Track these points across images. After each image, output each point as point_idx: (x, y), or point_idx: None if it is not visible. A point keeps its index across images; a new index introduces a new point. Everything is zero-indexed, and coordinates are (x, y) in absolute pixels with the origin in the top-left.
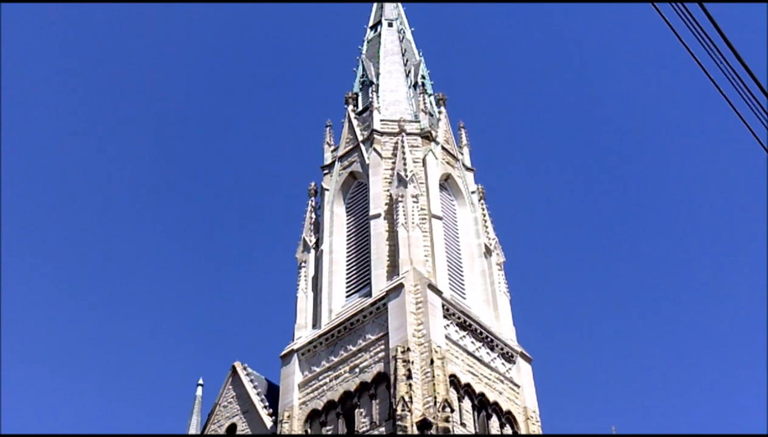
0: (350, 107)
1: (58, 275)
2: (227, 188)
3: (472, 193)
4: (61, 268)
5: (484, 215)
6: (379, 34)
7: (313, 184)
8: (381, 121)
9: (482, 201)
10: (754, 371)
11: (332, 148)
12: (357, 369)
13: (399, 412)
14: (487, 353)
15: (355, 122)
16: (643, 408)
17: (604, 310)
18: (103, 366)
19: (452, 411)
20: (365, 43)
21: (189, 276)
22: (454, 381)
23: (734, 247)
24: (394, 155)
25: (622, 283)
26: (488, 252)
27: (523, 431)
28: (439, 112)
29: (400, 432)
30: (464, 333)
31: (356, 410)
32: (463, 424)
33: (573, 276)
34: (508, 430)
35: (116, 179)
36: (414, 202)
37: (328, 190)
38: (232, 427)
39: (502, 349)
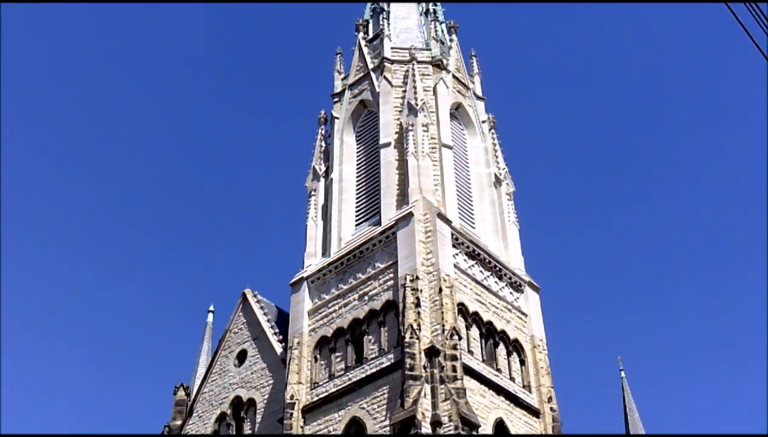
0: (360, 35)
1: (64, 204)
2: (237, 116)
3: (483, 122)
4: (69, 197)
5: (495, 145)
6: None
7: (323, 112)
8: (392, 48)
9: (493, 130)
10: (756, 312)
11: (342, 76)
12: (366, 297)
13: (407, 339)
14: (496, 282)
15: (365, 50)
16: (649, 338)
17: (612, 240)
18: (114, 292)
19: (460, 338)
20: None
21: (200, 204)
22: (462, 309)
23: (736, 176)
24: (405, 83)
25: (630, 213)
26: (498, 182)
27: (529, 358)
28: (451, 40)
29: (408, 359)
30: (473, 262)
31: (365, 337)
32: (470, 352)
33: (582, 207)
34: (515, 358)
35: (129, 106)
36: (424, 130)
37: (338, 118)
38: (243, 353)
39: (510, 278)
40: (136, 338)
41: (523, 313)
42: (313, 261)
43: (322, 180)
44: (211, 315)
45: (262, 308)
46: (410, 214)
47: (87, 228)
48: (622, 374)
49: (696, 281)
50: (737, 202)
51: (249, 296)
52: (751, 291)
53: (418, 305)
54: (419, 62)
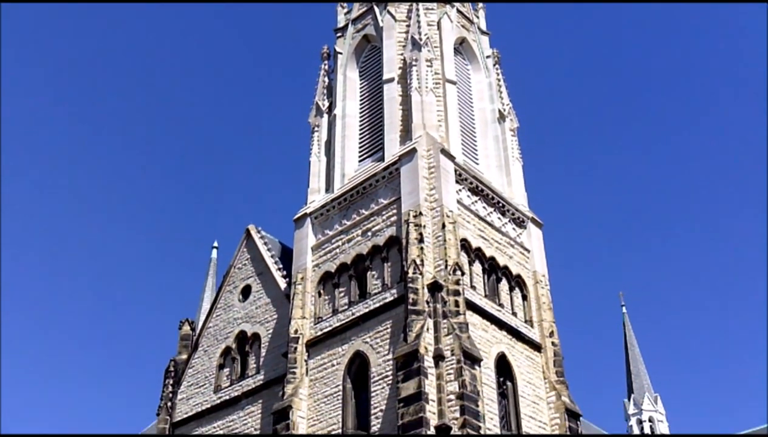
0: None
1: (69, 143)
2: (240, 53)
3: (487, 57)
4: (74, 136)
5: (499, 80)
6: None
7: (326, 47)
8: None
9: (497, 66)
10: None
11: (345, 10)
12: (369, 233)
13: (410, 275)
14: (499, 218)
15: None
16: (650, 275)
17: (616, 177)
18: (119, 229)
19: (463, 274)
20: None
21: (204, 141)
22: (465, 245)
23: (735, 114)
24: (408, 18)
25: (635, 149)
26: (502, 117)
27: (531, 294)
28: None
29: (411, 294)
30: (476, 198)
31: (368, 273)
32: (473, 287)
33: (586, 143)
34: (517, 293)
35: (133, 46)
36: (428, 66)
37: (341, 53)
38: (247, 288)
39: (513, 214)
40: (142, 275)
41: (526, 249)
42: (317, 197)
43: (325, 116)
44: (215, 251)
45: (265, 244)
46: (413, 150)
47: (92, 166)
48: (624, 309)
49: (699, 218)
50: (738, 138)
51: (253, 232)
52: (753, 230)
53: (421, 241)
54: None
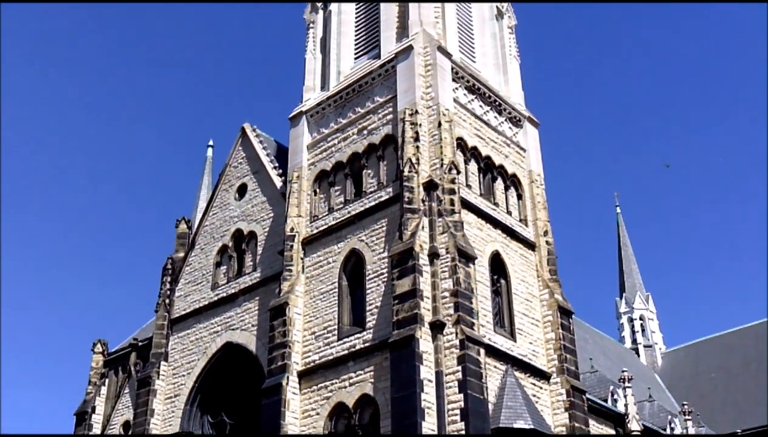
0: None
1: (62, 39)
2: None
3: None
4: (69, 32)
5: None
6: None
7: None
8: None
9: None
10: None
11: None
12: (365, 131)
13: (406, 173)
14: (495, 117)
15: None
16: (646, 176)
17: (613, 75)
18: (114, 127)
19: (458, 173)
20: None
21: (200, 37)
22: (461, 144)
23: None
24: None
25: (632, 48)
26: (500, 14)
27: (526, 193)
28: None
29: (406, 193)
30: (473, 96)
31: (364, 171)
32: (468, 186)
33: (584, 41)
34: (512, 192)
35: None
36: None
37: None
38: (243, 187)
39: (509, 113)
40: (137, 174)
41: (522, 148)
42: (312, 95)
43: (321, 12)
44: (210, 149)
45: (261, 142)
46: (410, 47)
47: (86, 64)
48: (618, 210)
49: (695, 118)
50: (737, 33)
51: (248, 130)
52: (750, 129)
53: (417, 139)
54: None
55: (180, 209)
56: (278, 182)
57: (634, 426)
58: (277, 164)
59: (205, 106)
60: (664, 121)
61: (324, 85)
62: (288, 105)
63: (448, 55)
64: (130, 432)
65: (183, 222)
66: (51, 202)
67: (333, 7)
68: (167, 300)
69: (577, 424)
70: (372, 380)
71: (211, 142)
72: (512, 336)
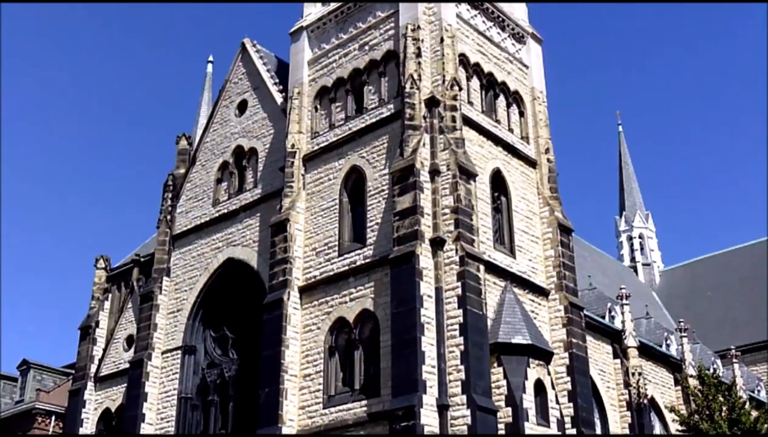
0: None
1: None
2: None
3: None
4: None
5: None
6: None
7: None
8: None
9: None
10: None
11: None
12: (367, 47)
13: (407, 90)
14: (498, 33)
15: None
16: (648, 94)
17: None
18: (115, 42)
19: (460, 89)
20: None
21: None
22: (463, 60)
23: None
24: None
25: None
26: None
27: (528, 110)
28: None
29: (408, 109)
30: (475, 12)
31: (365, 87)
32: (470, 103)
33: None
34: (514, 109)
35: None
36: None
37: None
38: (243, 103)
39: (513, 29)
40: (138, 90)
41: (525, 65)
42: (313, 9)
43: None
44: (210, 65)
45: (261, 58)
46: None
47: None
48: (620, 128)
49: (698, 38)
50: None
51: (248, 46)
52: (750, 48)
53: (419, 55)
54: None
55: (180, 125)
56: (279, 98)
57: (631, 342)
58: (277, 80)
59: (205, 22)
60: (666, 38)
61: None
62: (289, 20)
63: None
64: (133, 347)
65: (183, 139)
66: (51, 120)
67: None
68: (168, 217)
69: (574, 340)
70: (372, 295)
71: (210, 58)
72: (512, 252)
